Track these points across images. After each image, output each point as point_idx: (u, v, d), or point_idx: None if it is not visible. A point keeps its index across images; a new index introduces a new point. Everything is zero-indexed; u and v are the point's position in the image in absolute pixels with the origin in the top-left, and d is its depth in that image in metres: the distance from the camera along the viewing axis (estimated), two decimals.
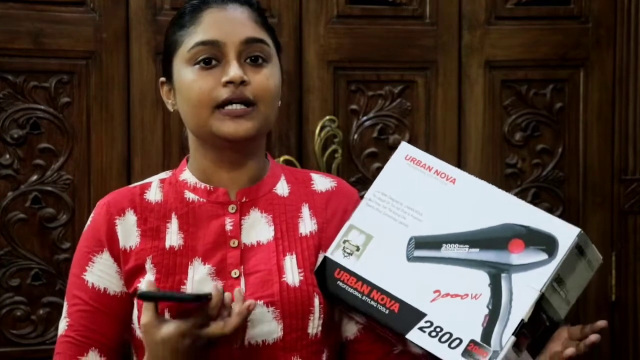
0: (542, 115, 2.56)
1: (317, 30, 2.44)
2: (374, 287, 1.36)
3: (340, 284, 1.38)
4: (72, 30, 2.30)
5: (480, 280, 1.31)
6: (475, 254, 1.33)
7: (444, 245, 1.35)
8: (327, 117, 2.42)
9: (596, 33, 2.55)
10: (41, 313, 2.31)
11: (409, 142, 2.48)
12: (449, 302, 1.31)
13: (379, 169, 2.46)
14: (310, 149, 2.42)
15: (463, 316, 1.30)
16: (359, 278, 1.37)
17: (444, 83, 2.51)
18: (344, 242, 1.40)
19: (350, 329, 1.46)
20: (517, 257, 1.30)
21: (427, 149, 2.48)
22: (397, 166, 1.43)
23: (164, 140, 2.36)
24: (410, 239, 1.37)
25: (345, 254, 1.39)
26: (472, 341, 1.28)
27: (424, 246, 1.36)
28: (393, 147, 2.48)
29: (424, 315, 1.32)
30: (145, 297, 1.30)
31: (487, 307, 1.30)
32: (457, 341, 1.29)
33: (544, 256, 1.30)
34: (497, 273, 1.30)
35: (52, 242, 2.31)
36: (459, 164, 2.51)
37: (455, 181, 1.39)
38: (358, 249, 1.39)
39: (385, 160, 2.46)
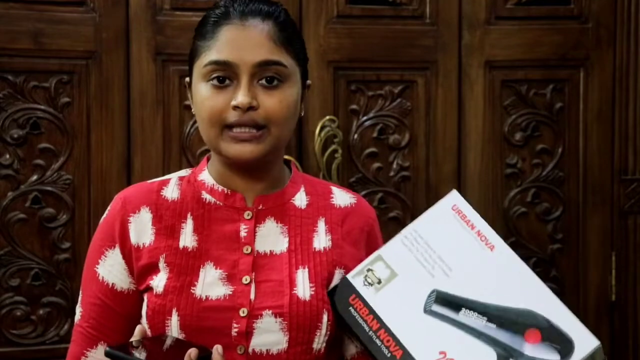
0: (542, 115, 2.56)
1: (317, 30, 2.44)
2: (383, 326, 1.34)
3: (352, 310, 1.36)
4: (72, 30, 2.31)
5: (487, 357, 1.29)
6: (491, 329, 1.30)
7: (464, 309, 1.32)
8: (327, 117, 2.42)
9: (596, 33, 2.55)
10: (41, 313, 2.31)
11: (409, 142, 2.49)
12: None
13: (379, 169, 2.48)
14: (310, 149, 2.42)
15: None
16: (372, 312, 1.35)
17: (444, 83, 2.51)
18: (368, 270, 1.37)
19: (350, 350, 1.46)
20: (531, 348, 1.28)
21: (427, 149, 2.49)
22: (441, 213, 1.39)
23: (164, 140, 2.36)
24: (433, 292, 1.34)
25: (366, 283, 1.36)
26: None
27: (444, 303, 1.33)
28: (393, 147, 2.49)
29: None
30: (110, 355, 1.27)
31: None
32: None
33: (556, 356, 1.27)
34: (506, 356, 1.28)
35: (52, 242, 2.31)
36: (459, 164, 2.52)
37: (494, 248, 1.35)
38: (379, 282, 1.36)
39: (385, 160, 2.49)
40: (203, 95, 1.39)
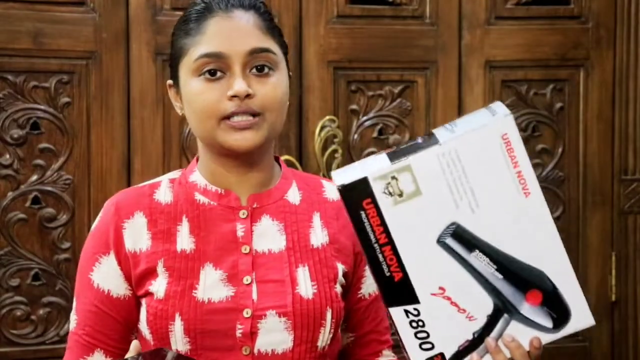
0: (542, 115, 2.56)
1: (317, 30, 2.44)
2: (391, 242, 1.23)
3: (363, 215, 1.23)
4: (72, 30, 2.31)
5: (484, 305, 1.26)
6: (497, 280, 1.25)
7: (477, 251, 1.25)
8: (327, 117, 2.42)
9: (596, 33, 2.56)
10: (41, 313, 2.31)
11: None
12: (446, 306, 1.25)
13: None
14: (310, 149, 2.42)
15: (449, 327, 1.26)
16: (384, 224, 1.23)
17: (444, 83, 2.51)
18: (393, 177, 1.22)
19: (343, 340, 1.50)
20: (529, 308, 1.26)
21: None
22: (489, 139, 1.25)
23: (164, 140, 2.36)
24: (452, 224, 1.23)
25: (386, 191, 1.22)
26: (442, 355, 1.26)
27: (460, 240, 1.24)
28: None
29: (417, 301, 1.25)
30: None
31: (474, 334, 1.26)
32: (429, 345, 1.26)
33: (549, 323, 1.27)
34: (502, 310, 1.26)
35: (52, 242, 2.31)
36: None
37: (529, 195, 1.26)
38: (401, 195, 1.22)
39: None
40: (196, 90, 1.38)
